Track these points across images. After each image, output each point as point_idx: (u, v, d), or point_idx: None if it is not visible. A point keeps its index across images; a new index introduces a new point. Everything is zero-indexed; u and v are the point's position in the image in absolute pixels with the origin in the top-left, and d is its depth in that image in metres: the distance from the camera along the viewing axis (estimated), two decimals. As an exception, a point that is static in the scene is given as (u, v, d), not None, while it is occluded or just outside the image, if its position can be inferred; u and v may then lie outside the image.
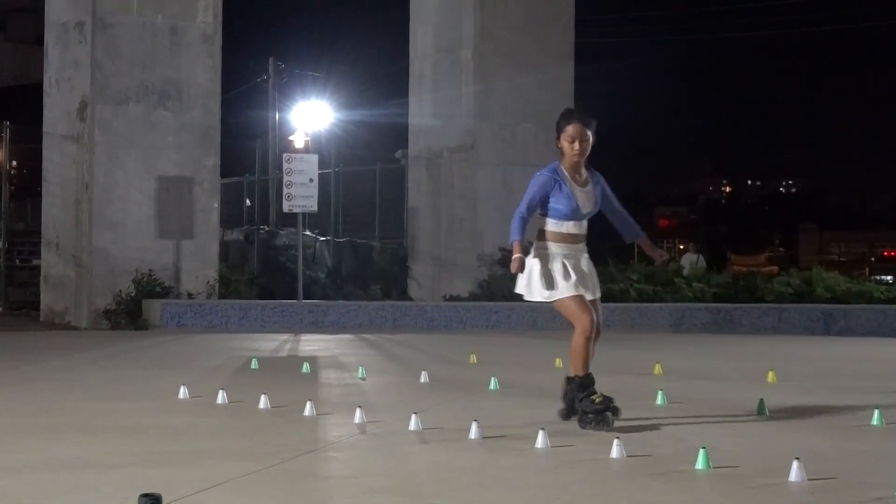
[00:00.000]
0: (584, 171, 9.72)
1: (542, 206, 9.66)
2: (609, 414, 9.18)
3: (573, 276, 9.55)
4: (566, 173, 9.61)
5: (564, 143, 9.62)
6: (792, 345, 21.16)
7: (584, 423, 9.24)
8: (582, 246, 9.80)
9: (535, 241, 9.73)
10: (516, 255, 9.55)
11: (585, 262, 9.81)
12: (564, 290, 9.53)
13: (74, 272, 26.05)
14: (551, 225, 9.65)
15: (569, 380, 9.64)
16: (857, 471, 7.43)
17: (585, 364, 9.51)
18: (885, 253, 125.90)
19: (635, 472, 7.43)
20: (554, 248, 9.63)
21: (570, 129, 9.58)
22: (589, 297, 9.70)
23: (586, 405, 9.28)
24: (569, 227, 9.64)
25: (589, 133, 9.60)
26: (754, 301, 27.63)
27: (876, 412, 9.90)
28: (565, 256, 9.60)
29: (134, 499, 5.20)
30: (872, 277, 41.59)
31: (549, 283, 9.58)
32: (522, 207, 9.69)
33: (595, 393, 9.34)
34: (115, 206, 26.06)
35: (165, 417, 10.19)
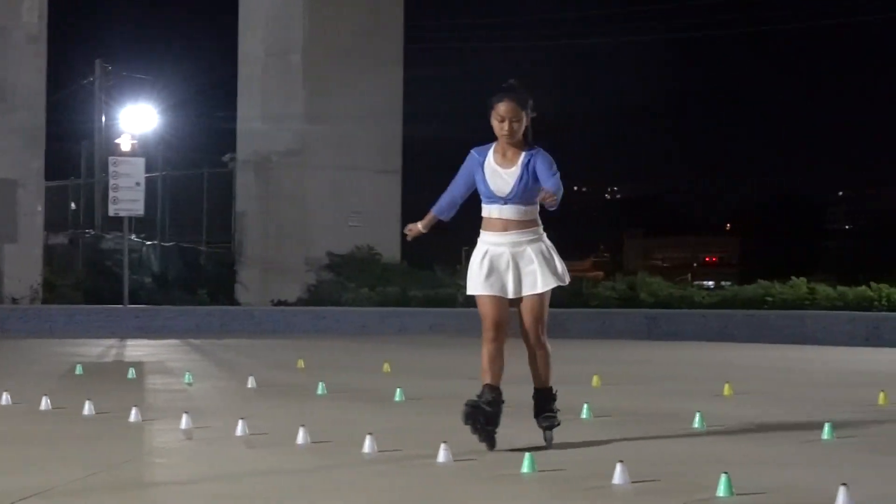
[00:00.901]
0: (515, 152, 8.64)
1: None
2: (480, 420, 8.40)
3: (483, 271, 8.56)
4: (492, 153, 8.67)
5: (494, 122, 8.61)
6: (617, 349, 21.46)
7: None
8: (513, 235, 8.62)
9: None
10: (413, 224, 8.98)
11: (516, 255, 8.62)
12: (471, 286, 8.66)
13: None
14: (482, 210, 8.76)
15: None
16: (680, 473, 7.55)
17: (485, 372, 8.66)
18: (707, 259, 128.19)
19: (462, 475, 7.47)
20: (481, 235, 8.70)
21: (501, 108, 8.55)
22: (505, 295, 8.61)
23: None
24: (491, 211, 8.64)
25: (523, 113, 8.58)
26: (580, 306, 27.92)
27: (698, 415, 10.08)
28: (489, 245, 8.62)
29: (-47, 508, 5.09)
30: (695, 283, 42.33)
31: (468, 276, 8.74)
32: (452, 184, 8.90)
33: (484, 398, 8.51)
34: (-65, 209, 25.54)
35: (-14, 424, 9.99)
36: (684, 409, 10.85)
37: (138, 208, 26.29)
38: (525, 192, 8.59)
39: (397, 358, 17.43)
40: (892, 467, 7.91)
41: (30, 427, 9.88)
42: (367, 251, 30.39)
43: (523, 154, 8.62)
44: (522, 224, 8.63)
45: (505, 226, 8.59)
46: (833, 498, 6.42)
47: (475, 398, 8.48)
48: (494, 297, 8.57)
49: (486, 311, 8.60)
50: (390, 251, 31.43)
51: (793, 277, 27.34)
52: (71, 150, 46.29)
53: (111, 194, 26.24)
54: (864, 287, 25.97)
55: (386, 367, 15.69)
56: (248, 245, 32.19)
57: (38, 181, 27.26)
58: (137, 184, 26.13)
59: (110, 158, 28.12)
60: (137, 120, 45.84)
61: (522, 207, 8.61)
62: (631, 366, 17.45)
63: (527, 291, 8.60)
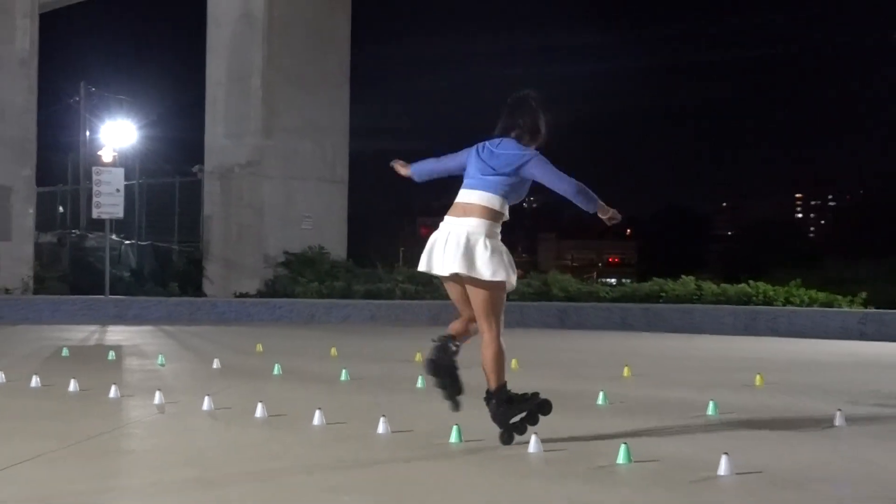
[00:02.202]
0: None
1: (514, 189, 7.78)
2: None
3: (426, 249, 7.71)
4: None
5: (545, 132, 7.92)
6: (532, 337, 21.51)
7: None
8: (464, 220, 7.60)
9: (475, 216, 7.62)
10: (615, 211, 7.97)
11: (459, 235, 7.53)
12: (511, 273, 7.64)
13: None
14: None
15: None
16: (583, 445, 7.60)
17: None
18: (610, 259, 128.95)
19: (398, 446, 7.48)
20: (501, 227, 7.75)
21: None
22: (440, 272, 7.61)
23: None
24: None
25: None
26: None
27: (601, 394, 10.14)
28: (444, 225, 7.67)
29: (-46, 473, 5.04)
30: (600, 280, 42.56)
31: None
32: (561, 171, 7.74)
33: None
34: (-63, 211, 25.37)
35: (-17, 400, 9.90)
36: (589, 389, 10.90)
37: (118, 212, 26.16)
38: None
39: (342, 344, 17.40)
40: (767, 440, 7.99)
41: (21, 402, 9.80)
42: (318, 250, 30.29)
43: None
44: (474, 209, 7.75)
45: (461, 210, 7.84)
46: (717, 465, 6.49)
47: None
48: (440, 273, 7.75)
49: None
50: (337, 251, 31.41)
51: (683, 276, 27.52)
52: (59, 161, 45.86)
53: (94, 199, 26.10)
54: (743, 284, 26.18)
55: (333, 351, 15.66)
56: (213, 244, 32.05)
57: (30, 187, 27.07)
58: (117, 190, 25.99)
59: (94, 168, 27.94)
60: (117, 134, 45.56)
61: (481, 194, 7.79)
62: (545, 352, 17.51)
63: (459, 269, 7.56)
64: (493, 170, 7.67)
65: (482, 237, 7.50)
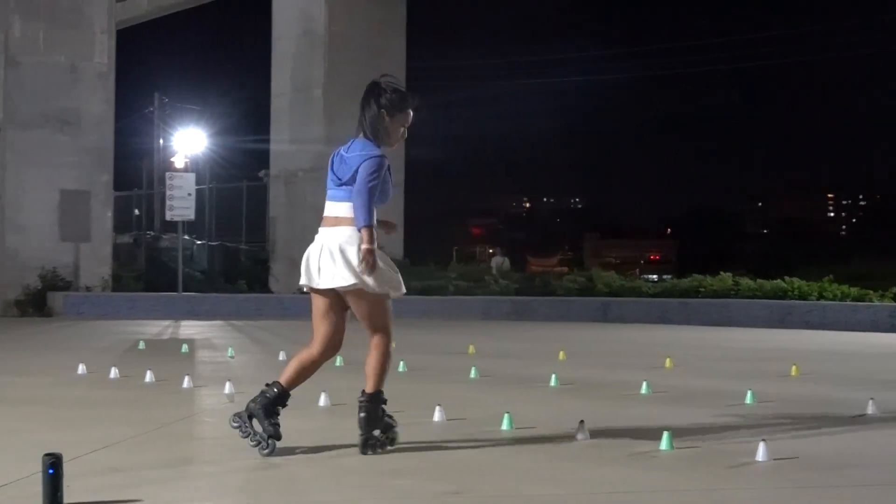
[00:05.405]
0: None
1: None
2: (273, 441, 6.60)
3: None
4: None
5: (397, 127, 6.84)
6: (577, 330, 21.45)
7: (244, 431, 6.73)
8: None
9: (345, 226, 6.71)
10: (374, 249, 6.57)
11: (332, 247, 6.77)
12: (399, 283, 6.94)
13: (-11, 269, 25.60)
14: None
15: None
16: (627, 431, 7.55)
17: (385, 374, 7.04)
18: (651, 257, 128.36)
19: (453, 433, 7.46)
20: (376, 233, 6.67)
21: (410, 118, 6.90)
22: (318, 286, 6.81)
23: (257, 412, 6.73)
24: (378, 209, 6.75)
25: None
26: (547, 295, 27.94)
27: (644, 383, 10.08)
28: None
29: (39, 457, 5.07)
30: (641, 276, 42.30)
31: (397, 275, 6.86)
32: (372, 187, 6.61)
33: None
34: (24, 214, 25.72)
35: (65, 389, 9.98)
36: (632, 379, 10.85)
37: (190, 214, 26.34)
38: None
39: (399, 337, 17.36)
40: (802, 427, 7.91)
41: (101, 391, 9.87)
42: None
43: None
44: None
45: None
46: (754, 452, 6.43)
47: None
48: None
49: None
50: (394, 249, 31.49)
51: (720, 272, 27.37)
52: (135, 167, 46.25)
53: (167, 203, 26.33)
54: (779, 280, 26.00)
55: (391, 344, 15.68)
56: (278, 244, 32.22)
57: (108, 192, 27.28)
58: (189, 194, 26.16)
59: (167, 173, 28.15)
60: (189, 142, 45.89)
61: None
62: (590, 344, 17.46)
63: (322, 283, 6.83)
64: (340, 179, 6.76)
65: (353, 247, 6.59)
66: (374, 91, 6.84)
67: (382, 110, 6.78)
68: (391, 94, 6.79)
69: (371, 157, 6.64)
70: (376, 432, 6.71)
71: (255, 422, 6.68)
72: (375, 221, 6.65)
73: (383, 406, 6.81)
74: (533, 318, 25.71)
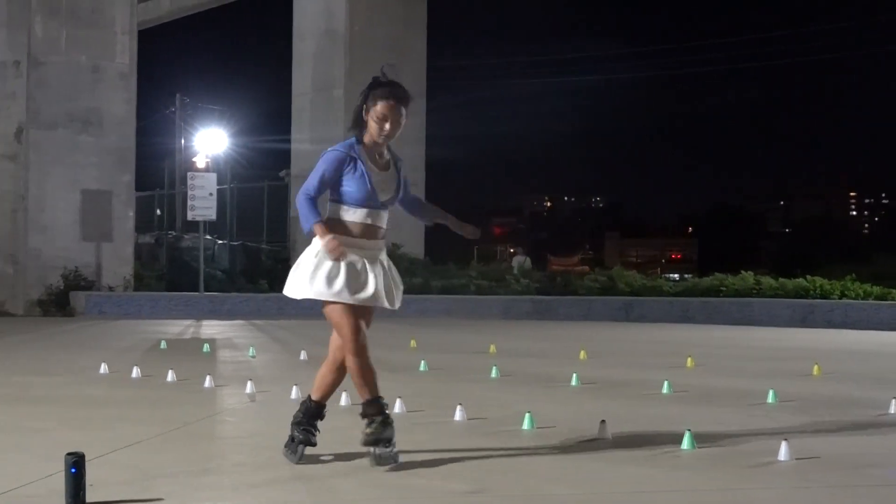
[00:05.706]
0: (385, 153, 6.59)
1: (332, 190, 6.33)
2: (301, 447, 6.40)
3: (355, 278, 6.27)
4: (364, 152, 6.41)
5: (372, 121, 6.40)
6: (598, 329, 21.41)
7: (287, 446, 6.48)
8: (380, 242, 6.40)
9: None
10: (330, 237, 6.09)
11: (377, 262, 6.38)
12: (347, 294, 6.25)
13: (12, 269, 25.76)
14: (343, 212, 6.28)
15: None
16: (648, 431, 7.53)
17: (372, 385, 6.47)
18: (673, 256, 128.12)
19: (474, 432, 7.45)
20: (345, 240, 6.19)
21: (384, 109, 6.43)
22: (375, 303, 6.39)
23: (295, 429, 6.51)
24: (362, 215, 6.25)
25: (404, 113, 6.59)
26: (568, 294, 27.92)
27: (665, 383, 10.06)
28: (354, 251, 6.22)
29: (61, 457, 5.09)
30: (663, 275, 42.21)
31: (329, 280, 6.25)
32: (310, 186, 6.32)
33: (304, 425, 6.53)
34: (46, 214, 25.84)
35: (87, 389, 10.02)
36: (654, 379, 10.82)
37: (211, 214, 26.39)
38: (400, 197, 6.64)
39: (421, 336, 17.41)
40: (824, 427, 7.88)
41: (123, 391, 9.90)
42: (396, 249, 30.40)
43: (389, 155, 6.67)
44: (384, 231, 6.48)
45: (375, 232, 6.35)
46: (776, 451, 6.40)
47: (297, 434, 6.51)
48: (369, 308, 6.46)
49: (357, 327, 6.36)
50: (416, 249, 31.50)
51: (742, 271, 27.29)
52: (156, 167, 46.45)
53: (189, 203, 26.37)
54: (801, 279, 25.91)
55: (412, 343, 15.69)
56: (299, 244, 32.23)
57: (129, 192, 27.38)
58: (210, 194, 26.22)
59: (188, 173, 28.20)
60: (210, 142, 45.98)
61: (387, 214, 6.50)
62: (611, 343, 17.42)
63: (384, 303, 6.44)
64: None
65: (311, 250, 6.33)
66: (372, 81, 6.61)
67: (361, 103, 6.52)
68: (371, 85, 6.55)
69: (325, 153, 6.45)
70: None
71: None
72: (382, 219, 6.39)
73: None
74: (554, 318, 25.69)
